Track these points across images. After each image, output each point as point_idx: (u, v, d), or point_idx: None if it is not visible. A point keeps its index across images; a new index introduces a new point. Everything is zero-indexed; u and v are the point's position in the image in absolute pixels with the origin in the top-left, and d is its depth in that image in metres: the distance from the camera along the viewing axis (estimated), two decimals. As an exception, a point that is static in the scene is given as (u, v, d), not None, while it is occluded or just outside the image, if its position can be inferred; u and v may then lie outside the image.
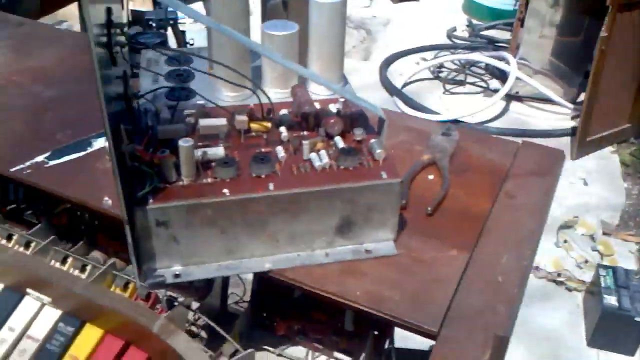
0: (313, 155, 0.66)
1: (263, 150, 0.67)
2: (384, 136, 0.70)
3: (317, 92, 0.75)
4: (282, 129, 0.70)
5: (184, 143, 0.60)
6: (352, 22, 3.78)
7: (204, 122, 0.68)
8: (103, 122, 0.51)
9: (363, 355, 0.73)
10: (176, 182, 0.62)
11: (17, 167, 0.76)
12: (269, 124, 0.70)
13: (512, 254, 0.68)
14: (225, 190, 0.62)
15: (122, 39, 0.60)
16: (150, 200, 0.59)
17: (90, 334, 0.68)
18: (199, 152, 0.64)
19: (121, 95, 0.64)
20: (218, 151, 0.65)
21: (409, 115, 0.95)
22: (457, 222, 0.72)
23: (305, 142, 0.66)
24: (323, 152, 0.67)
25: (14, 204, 0.87)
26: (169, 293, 0.74)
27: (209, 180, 0.63)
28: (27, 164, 0.76)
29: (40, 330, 0.70)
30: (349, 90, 0.71)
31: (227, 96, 0.75)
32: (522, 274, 0.65)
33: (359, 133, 0.69)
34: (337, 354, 0.80)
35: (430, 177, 0.80)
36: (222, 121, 0.68)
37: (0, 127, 0.84)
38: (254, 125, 0.69)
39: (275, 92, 0.76)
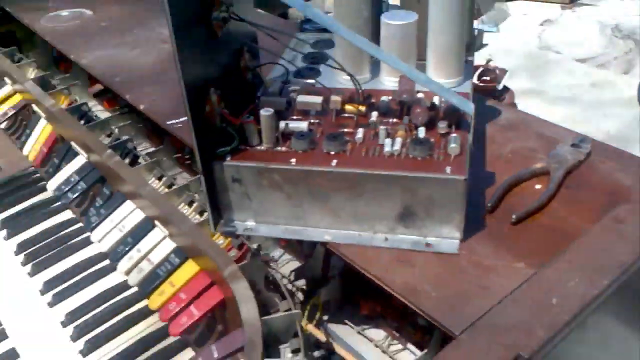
0: (387, 140, 0.68)
1: (346, 130, 0.71)
2: (472, 133, 0.68)
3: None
4: (374, 113, 0.72)
5: (264, 112, 0.67)
6: (621, 31, 3.42)
7: (301, 98, 0.74)
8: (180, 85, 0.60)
9: (425, 351, 0.72)
10: (256, 147, 0.69)
11: (172, 121, 0.91)
12: (363, 107, 0.73)
13: (584, 280, 0.60)
14: (293, 160, 0.67)
15: (226, 15, 0.69)
16: (228, 158, 0.68)
17: (189, 269, 0.80)
18: (283, 124, 0.70)
19: (232, 66, 0.73)
20: (301, 125, 0.70)
21: (546, 122, 0.87)
22: (541, 237, 0.67)
23: (382, 127, 0.68)
24: (399, 140, 0.68)
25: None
26: (263, 250, 0.82)
27: (284, 149, 0.69)
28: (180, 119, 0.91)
29: (156, 256, 0.84)
30: (437, 83, 0.70)
31: (346, 80, 0.79)
32: (585, 303, 0.58)
33: (442, 126, 0.68)
34: (410, 345, 0.80)
35: (538, 186, 0.74)
36: (318, 99, 0.73)
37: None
38: (348, 107, 0.73)
39: (389, 81, 0.79)
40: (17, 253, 0.95)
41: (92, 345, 0.79)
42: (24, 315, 0.87)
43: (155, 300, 0.80)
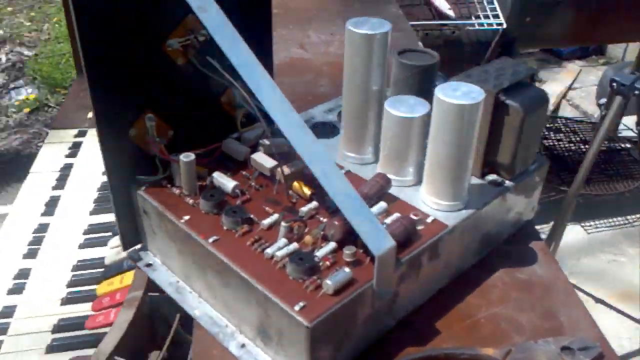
0: (282, 241, 0.57)
1: (268, 208, 0.62)
2: (377, 280, 0.53)
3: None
4: (312, 205, 0.61)
5: (184, 158, 0.62)
6: None
7: (255, 155, 0.66)
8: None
9: None
10: (175, 188, 0.65)
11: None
12: (308, 192, 0.62)
13: None
14: (186, 217, 0.61)
15: (188, 43, 0.63)
16: (143, 188, 0.65)
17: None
18: (216, 175, 0.64)
19: (204, 98, 0.69)
20: (226, 184, 0.63)
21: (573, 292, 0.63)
22: None
23: (284, 224, 0.57)
24: (292, 246, 0.56)
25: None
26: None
27: (190, 201, 0.63)
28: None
29: (132, 248, 0.86)
30: (354, 204, 0.55)
31: (345, 154, 0.69)
32: None
33: (348, 252, 0.55)
34: None
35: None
36: (269, 163, 0.65)
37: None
38: (295, 184, 0.63)
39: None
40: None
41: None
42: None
43: (102, 287, 0.83)
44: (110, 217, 1.01)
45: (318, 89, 1.01)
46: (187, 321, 0.71)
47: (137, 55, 0.61)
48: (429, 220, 0.60)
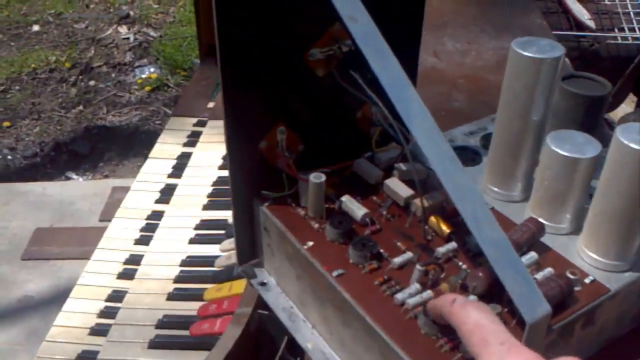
0: (415, 286, 0.51)
1: (399, 244, 0.55)
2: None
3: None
4: (451, 245, 0.54)
5: (314, 178, 0.57)
6: None
7: (389, 181, 0.60)
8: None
9: None
10: (300, 209, 0.60)
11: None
12: (446, 231, 0.56)
13: None
14: (309, 243, 0.56)
15: (331, 54, 0.58)
16: (266, 204, 0.61)
17: (249, 283, 0.77)
18: (343, 200, 0.59)
19: (340, 113, 0.63)
20: (356, 210, 0.58)
21: None
22: None
23: (419, 267, 0.51)
24: (427, 294, 0.50)
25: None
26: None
27: (316, 225, 0.58)
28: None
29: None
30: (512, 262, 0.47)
31: (488, 187, 0.62)
32: None
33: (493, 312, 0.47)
34: None
35: None
36: (405, 192, 0.58)
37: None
38: (432, 220, 0.57)
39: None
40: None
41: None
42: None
43: (210, 293, 0.80)
44: (223, 214, 1.00)
45: (452, 104, 0.93)
46: (295, 344, 0.67)
47: (277, 62, 0.56)
48: (587, 280, 0.52)
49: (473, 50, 1.11)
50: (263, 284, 0.64)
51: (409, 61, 0.57)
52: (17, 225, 1.88)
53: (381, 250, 0.54)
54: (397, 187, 0.59)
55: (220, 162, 1.13)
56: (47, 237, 1.86)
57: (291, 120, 0.60)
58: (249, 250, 0.66)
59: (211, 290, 0.81)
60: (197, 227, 1.00)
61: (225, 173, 1.09)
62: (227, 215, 0.99)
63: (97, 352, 0.81)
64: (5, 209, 1.93)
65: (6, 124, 2.40)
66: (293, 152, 0.61)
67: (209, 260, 0.90)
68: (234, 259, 0.84)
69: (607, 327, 0.55)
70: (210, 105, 1.33)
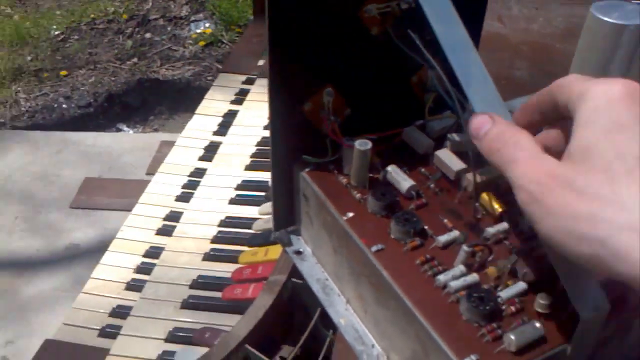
0: (459, 269, 0.46)
1: (446, 221, 0.51)
2: (575, 345, 0.41)
3: None
4: (501, 226, 0.50)
5: (359, 145, 0.53)
6: None
7: (440, 153, 0.55)
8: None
9: None
10: (342, 177, 0.56)
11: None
12: (498, 209, 0.51)
13: None
14: (349, 214, 0.52)
15: (388, 11, 0.53)
16: (307, 169, 0.57)
17: (285, 249, 0.74)
18: (388, 170, 0.54)
19: (393, 76, 0.58)
20: (402, 182, 0.53)
21: None
22: None
23: (465, 248, 0.47)
24: (471, 277, 0.46)
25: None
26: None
27: (357, 195, 0.54)
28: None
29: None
30: None
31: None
32: None
33: (543, 302, 0.43)
34: None
35: None
36: (457, 165, 0.54)
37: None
38: (484, 196, 0.52)
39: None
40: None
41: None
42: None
43: (245, 256, 0.78)
44: (265, 176, 0.97)
45: (514, 72, 0.87)
46: (329, 316, 0.64)
47: (330, 17, 0.52)
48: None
49: (541, 16, 1.03)
50: (298, 252, 0.61)
51: (473, 25, 0.51)
52: (68, 174, 1.92)
53: (425, 227, 0.50)
54: (449, 159, 0.54)
55: (265, 122, 1.10)
56: (95, 187, 1.89)
57: (339, 82, 0.55)
58: (286, 217, 0.62)
59: (246, 254, 0.79)
60: (238, 187, 0.97)
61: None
62: (269, 177, 0.96)
63: (130, 308, 0.80)
64: (58, 157, 1.97)
65: (63, 72, 2.44)
66: (339, 116, 0.57)
67: (248, 222, 0.88)
68: (271, 223, 0.82)
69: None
70: (261, 62, 1.30)
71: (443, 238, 0.49)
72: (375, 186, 0.53)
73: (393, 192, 0.53)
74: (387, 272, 0.47)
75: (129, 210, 1.02)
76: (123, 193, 1.88)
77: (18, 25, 2.65)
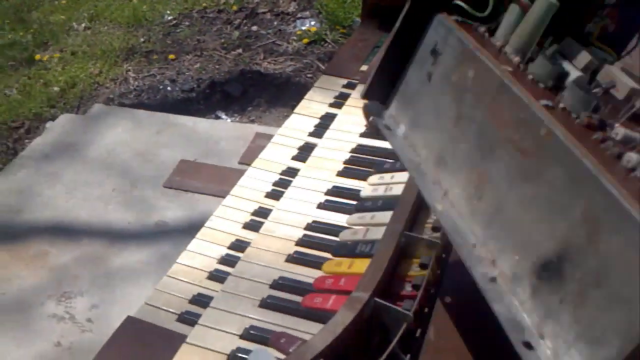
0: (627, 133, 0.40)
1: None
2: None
3: None
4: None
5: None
6: None
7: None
8: None
9: None
10: (499, 42, 0.49)
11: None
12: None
13: None
14: (507, 68, 0.46)
15: None
16: (452, 18, 0.50)
17: (370, 264, 0.73)
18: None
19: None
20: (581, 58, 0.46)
21: None
22: None
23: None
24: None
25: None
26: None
27: (516, 59, 0.47)
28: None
29: (374, 233, 0.79)
30: None
31: None
32: None
33: None
34: None
35: None
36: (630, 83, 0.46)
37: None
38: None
39: None
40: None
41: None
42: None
43: (329, 265, 0.77)
44: (356, 184, 0.96)
45: None
46: (407, 340, 0.62)
47: None
48: None
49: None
50: (388, 128, 0.56)
51: None
52: (165, 154, 1.99)
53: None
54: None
55: (362, 129, 1.09)
56: (189, 170, 1.95)
57: None
58: (384, 89, 0.56)
59: (330, 263, 0.78)
60: (327, 192, 0.97)
61: (365, 141, 1.04)
62: (361, 185, 0.95)
63: (211, 298, 0.82)
64: (158, 137, 2.05)
65: (171, 56, 2.53)
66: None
67: (335, 230, 0.87)
68: (360, 235, 0.80)
69: None
70: (364, 68, 1.29)
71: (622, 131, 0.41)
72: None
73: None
74: (563, 133, 0.40)
75: (219, 196, 1.04)
76: (215, 179, 1.92)
77: (136, 7, 2.78)
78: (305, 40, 2.57)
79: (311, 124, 1.16)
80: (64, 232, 1.78)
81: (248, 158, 1.13)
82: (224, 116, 2.24)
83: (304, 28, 2.64)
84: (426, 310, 0.64)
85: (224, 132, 2.06)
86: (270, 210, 0.97)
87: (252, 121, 2.22)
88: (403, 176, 0.85)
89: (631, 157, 0.38)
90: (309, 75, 2.42)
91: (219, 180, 1.86)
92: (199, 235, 0.97)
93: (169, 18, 2.74)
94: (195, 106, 2.30)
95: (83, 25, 2.73)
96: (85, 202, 1.86)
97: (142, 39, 2.63)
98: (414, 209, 0.75)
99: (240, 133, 2.06)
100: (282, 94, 2.33)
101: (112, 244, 1.75)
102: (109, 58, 2.51)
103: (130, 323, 0.88)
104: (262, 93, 2.33)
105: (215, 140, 2.03)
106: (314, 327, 0.71)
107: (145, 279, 1.63)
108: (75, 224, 1.80)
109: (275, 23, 2.70)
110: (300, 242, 0.88)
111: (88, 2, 2.88)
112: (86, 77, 2.43)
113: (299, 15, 2.72)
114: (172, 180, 1.91)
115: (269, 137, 1.16)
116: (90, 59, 2.52)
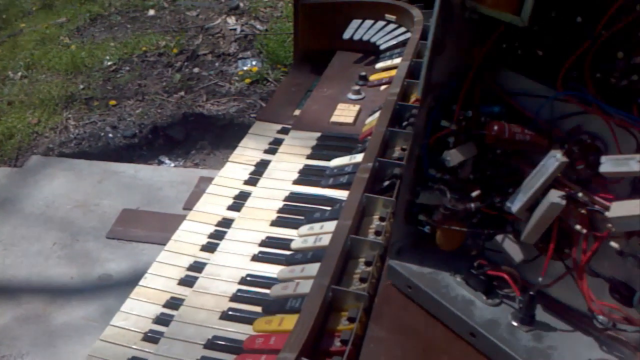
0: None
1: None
2: None
3: None
4: None
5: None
6: None
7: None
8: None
9: None
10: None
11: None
12: None
13: None
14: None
15: None
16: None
17: (299, 321, 0.73)
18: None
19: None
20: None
21: None
22: None
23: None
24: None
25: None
26: None
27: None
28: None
29: (304, 287, 0.79)
30: None
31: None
32: None
33: None
34: None
35: None
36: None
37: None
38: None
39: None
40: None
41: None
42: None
43: (259, 324, 0.77)
44: (289, 233, 0.96)
45: None
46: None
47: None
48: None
49: None
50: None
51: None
52: (107, 204, 1.96)
53: None
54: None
55: (295, 175, 1.09)
56: (132, 219, 1.92)
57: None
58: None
59: (261, 321, 0.77)
60: (261, 244, 0.97)
61: (298, 189, 1.05)
62: (294, 235, 0.95)
63: (143, 362, 0.80)
64: (99, 187, 2.02)
65: (112, 102, 2.51)
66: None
67: (269, 283, 0.87)
68: (290, 289, 0.80)
69: None
70: (297, 112, 1.30)
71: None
72: None
73: None
74: None
75: (163, 244, 1.03)
76: (158, 226, 1.91)
77: (74, 54, 2.75)
78: (247, 80, 2.59)
79: (246, 172, 1.16)
80: (1, 291, 1.72)
81: (192, 203, 1.13)
82: (167, 161, 2.22)
83: (245, 68, 2.66)
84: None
85: (167, 177, 2.05)
86: (205, 264, 0.96)
87: (197, 165, 2.21)
88: (332, 225, 0.85)
89: None
90: (252, 115, 2.43)
91: (162, 228, 1.84)
92: (132, 294, 0.95)
93: (109, 63, 2.72)
94: (137, 152, 2.27)
95: (19, 74, 2.69)
96: (24, 258, 1.81)
97: (81, 86, 2.60)
98: (341, 260, 0.76)
99: (183, 178, 2.05)
100: (226, 136, 2.33)
101: (53, 301, 1.70)
102: (48, 107, 2.48)
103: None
104: (205, 135, 2.33)
105: (159, 187, 2.01)
106: (247, 389, 0.70)
107: (90, 335, 1.58)
108: (13, 282, 1.75)
109: (217, 64, 2.71)
110: (234, 298, 0.87)
111: (24, 50, 2.84)
112: (24, 127, 2.38)
113: (240, 55, 2.74)
114: (115, 230, 1.88)
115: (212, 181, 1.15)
116: (28, 108, 2.47)
